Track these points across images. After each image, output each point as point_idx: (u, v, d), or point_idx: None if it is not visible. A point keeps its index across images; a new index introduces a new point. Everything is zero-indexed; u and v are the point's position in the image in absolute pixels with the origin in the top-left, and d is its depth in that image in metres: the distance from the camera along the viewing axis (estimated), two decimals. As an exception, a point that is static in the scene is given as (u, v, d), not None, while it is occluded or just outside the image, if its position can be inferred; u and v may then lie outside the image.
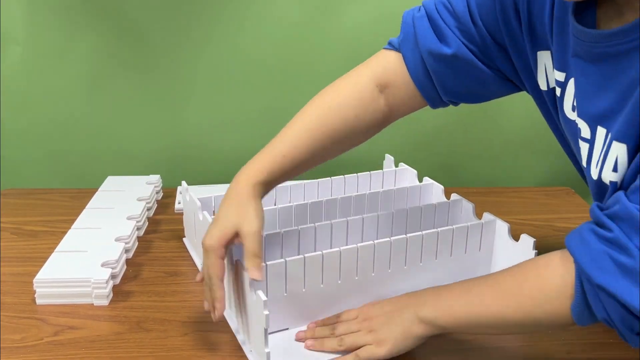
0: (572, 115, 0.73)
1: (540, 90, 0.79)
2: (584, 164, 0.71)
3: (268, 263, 0.77)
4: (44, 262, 0.91)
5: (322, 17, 1.27)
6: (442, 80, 0.82)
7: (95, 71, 1.28)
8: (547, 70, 0.76)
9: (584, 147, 0.70)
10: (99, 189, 1.19)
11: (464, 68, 0.81)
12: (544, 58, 0.76)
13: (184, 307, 0.87)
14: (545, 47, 0.75)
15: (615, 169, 0.64)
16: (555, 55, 0.73)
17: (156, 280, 0.94)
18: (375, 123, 0.86)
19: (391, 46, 0.86)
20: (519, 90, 0.85)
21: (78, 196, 1.21)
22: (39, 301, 0.87)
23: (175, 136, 1.34)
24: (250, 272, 0.72)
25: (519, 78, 0.81)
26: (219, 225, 0.76)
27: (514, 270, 0.70)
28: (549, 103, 0.79)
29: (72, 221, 1.05)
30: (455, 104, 0.88)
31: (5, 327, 0.82)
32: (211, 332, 0.81)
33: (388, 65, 0.85)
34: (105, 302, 0.87)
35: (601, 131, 0.66)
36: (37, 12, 1.23)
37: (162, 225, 1.12)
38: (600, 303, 0.61)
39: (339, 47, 1.29)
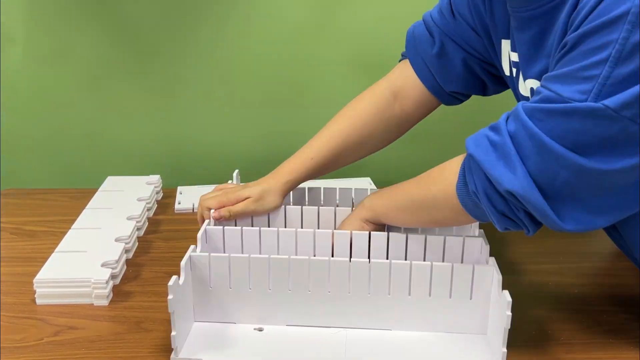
0: (525, 92, 0.81)
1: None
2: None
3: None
4: (44, 262, 0.91)
5: (324, 19, 1.28)
6: (440, 74, 0.92)
7: (95, 72, 1.29)
8: (510, 57, 0.84)
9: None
10: (99, 189, 1.19)
11: (452, 62, 0.91)
12: (506, 46, 0.84)
13: (184, 307, 0.87)
14: (507, 36, 0.83)
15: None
16: (508, 32, 0.83)
17: (156, 281, 0.93)
18: (392, 129, 0.97)
19: (402, 56, 0.98)
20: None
21: (78, 196, 1.21)
22: (39, 301, 0.87)
23: (175, 137, 1.35)
24: (215, 213, 0.87)
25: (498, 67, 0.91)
26: (239, 186, 0.93)
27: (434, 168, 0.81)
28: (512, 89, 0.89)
29: (72, 221, 1.05)
30: (462, 97, 0.96)
31: (5, 327, 0.81)
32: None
33: (400, 73, 0.96)
34: (105, 302, 0.87)
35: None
36: (37, 13, 1.24)
37: (162, 226, 1.12)
38: (472, 176, 0.70)
39: (341, 50, 1.30)
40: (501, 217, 0.71)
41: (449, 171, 0.75)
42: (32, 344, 0.77)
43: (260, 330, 0.80)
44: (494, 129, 0.70)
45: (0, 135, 1.31)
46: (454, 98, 0.96)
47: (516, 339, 0.78)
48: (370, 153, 0.99)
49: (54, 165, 1.34)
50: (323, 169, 0.95)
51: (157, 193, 1.21)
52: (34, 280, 0.86)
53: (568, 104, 0.63)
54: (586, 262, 1.01)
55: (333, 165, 0.96)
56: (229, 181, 1.00)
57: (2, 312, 0.84)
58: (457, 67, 0.92)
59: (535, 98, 0.68)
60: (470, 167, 0.71)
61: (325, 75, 1.30)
